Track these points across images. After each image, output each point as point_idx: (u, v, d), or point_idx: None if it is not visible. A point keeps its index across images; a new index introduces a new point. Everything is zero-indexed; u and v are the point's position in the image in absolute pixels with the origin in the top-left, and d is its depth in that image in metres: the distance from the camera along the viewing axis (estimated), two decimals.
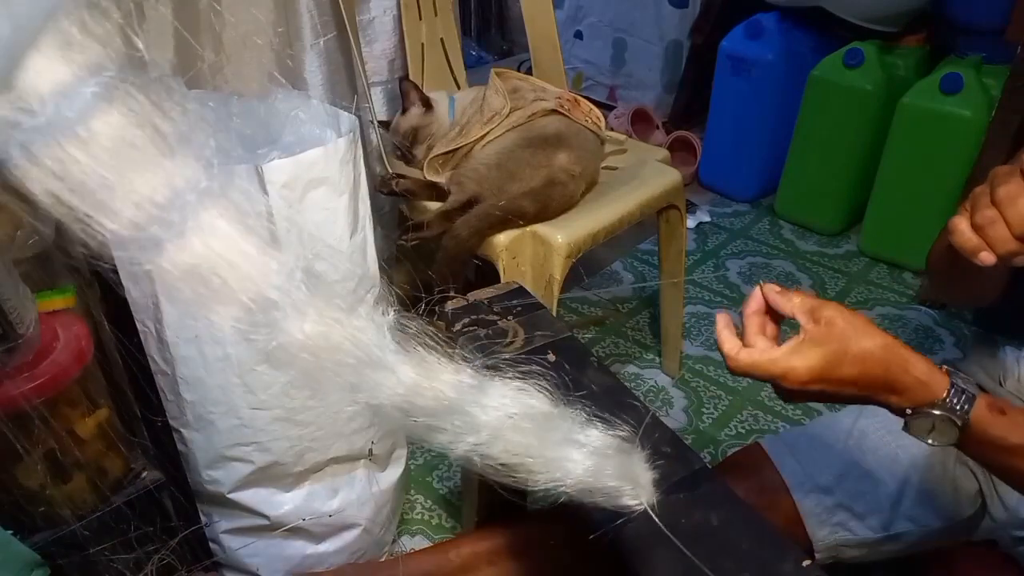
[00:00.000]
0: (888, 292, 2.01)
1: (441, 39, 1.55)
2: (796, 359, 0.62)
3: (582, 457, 0.55)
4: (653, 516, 0.61)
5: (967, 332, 1.83)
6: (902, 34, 2.11)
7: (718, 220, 2.33)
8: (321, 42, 1.31)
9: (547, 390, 0.55)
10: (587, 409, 0.58)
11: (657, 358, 1.74)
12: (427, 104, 1.38)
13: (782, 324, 0.69)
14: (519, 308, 0.90)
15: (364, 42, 1.41)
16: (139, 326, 0.91)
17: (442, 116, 1.39)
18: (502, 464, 0.52)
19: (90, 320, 0.86)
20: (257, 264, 0.44)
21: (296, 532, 1.08)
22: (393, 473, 1.18)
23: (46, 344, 0.80)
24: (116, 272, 0.81)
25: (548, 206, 1.24)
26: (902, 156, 1.95)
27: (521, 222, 1.22)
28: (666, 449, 0.69)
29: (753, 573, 0.59)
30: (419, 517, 1.36)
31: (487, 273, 1.24)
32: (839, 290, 2.01)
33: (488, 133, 1.30)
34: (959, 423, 0.62)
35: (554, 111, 1.30)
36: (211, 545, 1.08)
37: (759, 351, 0.64)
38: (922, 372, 0.62)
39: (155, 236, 0.41)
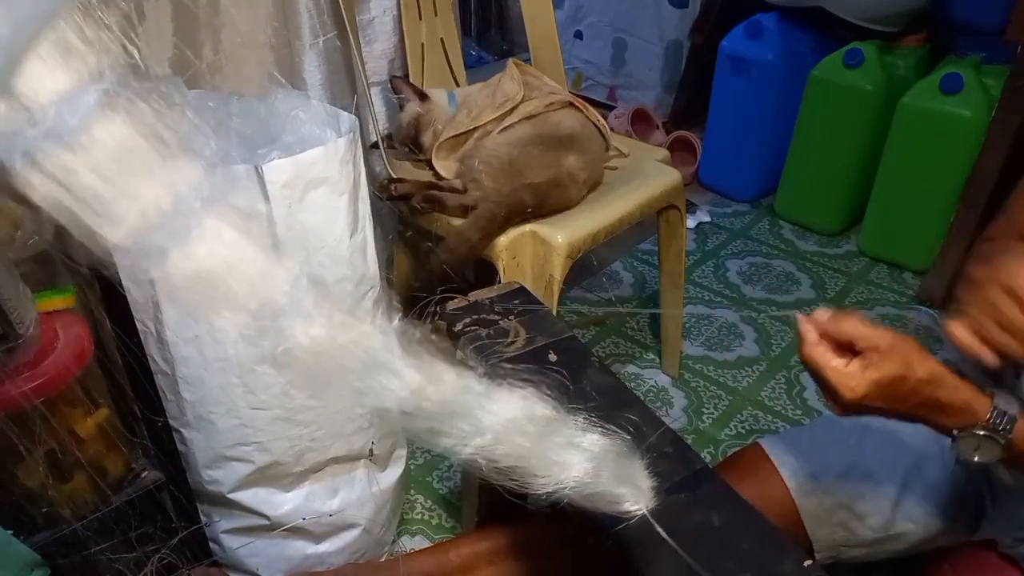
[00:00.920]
0: (888, 292, 2.01)
1: (441, 39, 1.55)
2: (863, 374, 0.66)
3: (583, 461, 0.55)
4: (652, 522, 0.61)
5: None
6: (902, 34, 2.11)
7: (718, 220, 2.33)
8: (320, 42, 1.31)
9: (549, 394, 0.56)
10: (589, 414, 0.59)
11: (657, 358, 1.74)
12: (421, 95, 1.39)
13: None
14: (520, 308, 0.90)
15: (364, 42, 1.41)
16: (139, 326, 0.91)
17: (441, 104, 1.40)
18: (505, 467, 0.52)
19: (90, 320, 0.86)
20: (262, 269, 0.44)
21: (296, 532, 1.08)
22: (393, 473, 1.18)
23: (46, 344, 0.80)
24: (117, 273, 0.81)
25: (545, 203, 1.24)
26: (902, 156, 1.95)
27: (518, 216, 1.22)
28: (666, 449, 0.69)
29: (754, 573, 0.59)
30: (419, 517, 1.36)
31: (487, 273, 1.24)
32: (839, 290, 2.01)
33: (503, 118, 1.30)
34: (1002, 442, 0.67)
35: (570, 104, 1.31)
36: (211, 545, 1.08)
37: (834, 357, 0.68)
38: (968, 395, 0.68)
39: (160, 244, 0.41)
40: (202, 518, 1.05)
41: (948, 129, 1.83)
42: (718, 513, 0.65)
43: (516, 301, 0.91)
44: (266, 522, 1.05)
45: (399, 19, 1.46)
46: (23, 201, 0.37)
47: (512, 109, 1.32)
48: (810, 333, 0.69)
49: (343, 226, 0.94)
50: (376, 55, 1.46)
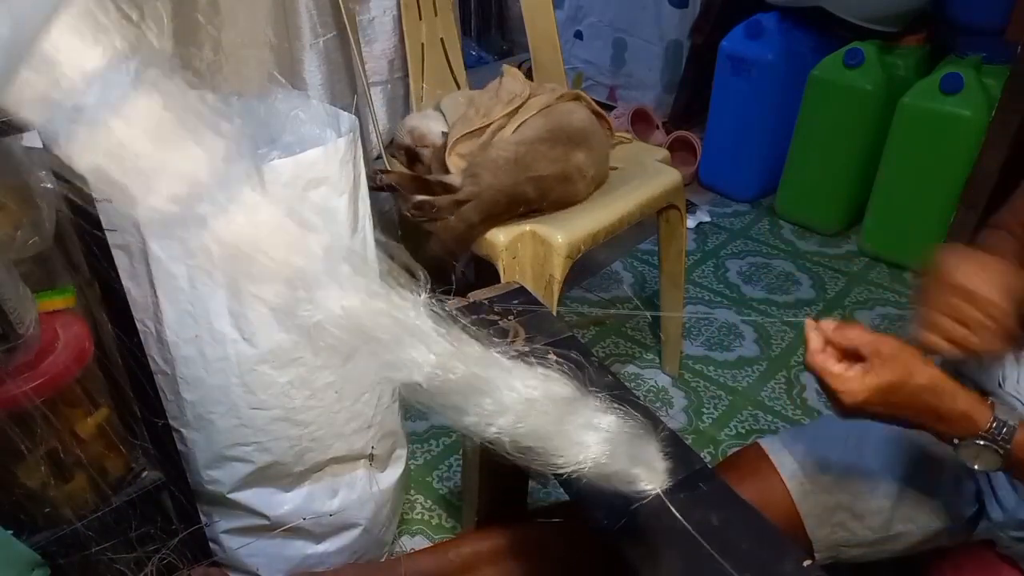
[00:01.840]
0: (888, 292, 2.01)
1: (441, 39, 1.55)
2: (863, 379, 0.68)
3: (601, 441, 0.56)
4: (666, 501, 0.64)
5: None
6: (902, 34, 2.11)
7: (718, 220, 2.33)
8: (320, 42, 1.31)
9: (568, 377, 0.57)
10: (606, 397, 0.59)
11: (657, 358, 1.74)
12: (411, 155, 1.38)
13: None
14: (520, 308, 0.90)
15: (364, 42, 1.41)
16: (139, 326, 0.90)
17: (432, 131, 1.39)
18: (526, 447, 0.53)
19: (90, 320, 0.86)
20: (299, 239, 0.44)
21: (296, 532, 1.08)
22: (393, 473, 1.18)
23: (46, 344, 0.80)
24: (116, 272, 0.81)
25: (548, 196, 1.24)
26: (902, 156, 1.95)
27: (520, 207, 1.22)
28: (666, 449, 0.69)
29: (753, 573, 0.59)
30: (419, 517, 1.36)
31: (487, 273, 1.24)
32: (839, 290, 2.01)
33: (516, 113, 1.30)
34: (1001, 451, 0.68)
35: (579, 96, 1.31)
36: (211, 545, 1.08)
37: (835, 363, 0.70)
38: (967, 405, 0.69)
39: (199, 214, 0.41)
40: (202, 518, 1.05)
41: (948, 129, 1.83)
42: (717, 513, 0.65)
43: (516, 301, 0.91)
44: (266, 522, 1.05)
45: (399, 19, 1.46)
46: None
47: (522, 104, 1.32)
48: (815, 341, 0.70)
49: (343, 226, 0.94)
50: (376, 55, 1.46)
